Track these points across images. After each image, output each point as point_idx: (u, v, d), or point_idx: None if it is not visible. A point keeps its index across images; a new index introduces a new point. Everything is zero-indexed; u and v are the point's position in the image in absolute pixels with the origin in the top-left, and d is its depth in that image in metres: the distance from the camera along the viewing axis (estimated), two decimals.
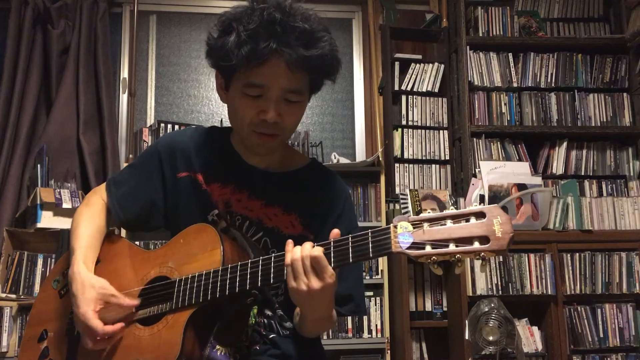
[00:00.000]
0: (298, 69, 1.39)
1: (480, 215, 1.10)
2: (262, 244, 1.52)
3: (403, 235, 1.14)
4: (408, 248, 1.13)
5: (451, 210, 1.12)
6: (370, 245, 1.20)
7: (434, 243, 1.11)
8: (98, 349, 1.39)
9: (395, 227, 1.16)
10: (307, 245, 1.27)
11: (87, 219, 1.58)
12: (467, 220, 1.10)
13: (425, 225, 1.13)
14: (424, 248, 1.12)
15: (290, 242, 1.30)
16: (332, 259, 1.24)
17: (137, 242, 1.75)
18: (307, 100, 1.51)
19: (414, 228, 1.14)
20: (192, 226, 1.48)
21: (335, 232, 1.28)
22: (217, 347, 1.39)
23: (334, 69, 1.48)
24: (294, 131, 1.56)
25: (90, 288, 1.41)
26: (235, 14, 1.40)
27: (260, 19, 1.35)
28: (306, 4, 1.43)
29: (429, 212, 1.13)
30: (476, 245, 1.08)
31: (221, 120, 4.28)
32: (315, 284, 1.24)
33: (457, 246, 1.09)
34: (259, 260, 1.33)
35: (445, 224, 1.11)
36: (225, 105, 1.53)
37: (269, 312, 1.52)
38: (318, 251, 1.24)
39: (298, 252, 1.26)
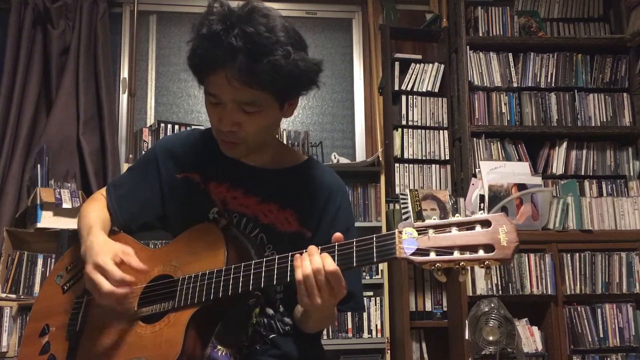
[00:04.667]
0: (243, 84, 1.33)
1: (485, 223, 1.10)
2: (259, 241, 1.52)
3: (408, 241, 1.14)
4: (412, 254, 1.13)
5: (457, 218, 1.12)
6: (374, 250, 1.20)
7: (438, 250, 1.11)
8: (111, 300, 1.37)
9: (400, 232, 1.16)
10: (316, 257, 1.25)
11: (95, 210, 1.60)
12: (473, 228, 1.10)
13: (430, 231, 1.13)
14: (428, 254, 1.12)
15: (297, 257, 1.28)
16: (336, 263, 1.24)
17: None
18: (273, 109, 1.43)
19: (418, 234, 1.14)
20: (197, 226, 1.49)
21: (338, 236, 1.28)
22: (219, 347, 1.39)
23: (297, 74, 1.36)
24: (260, 138, 1.48)
25: (112, 245, 1.44)
26: (195, 22, 1.39)
27: (207, 29, 1.33)
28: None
29: (434, 219, 1.13)
30: (481, 253, 1.08)
31: None
32: (330, 298, 1.25)
33: (461, 254, 1.09)
34: (262, 262, 1.33)
35: (450, 231, 1.12)
36: None
37: (270, 312, 1.52)
38: (333, 266, 1.23)
39: (308, 267, 1.24)
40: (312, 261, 1.25)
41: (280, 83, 1.35)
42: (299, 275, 1.25)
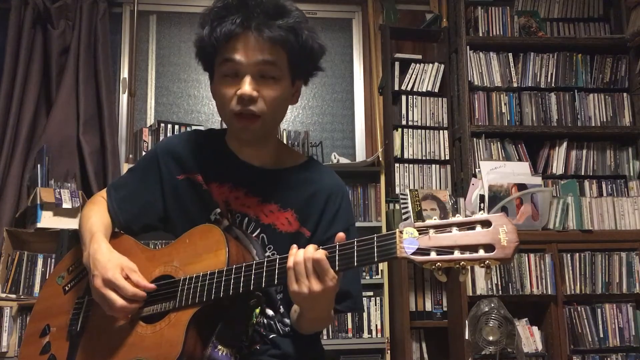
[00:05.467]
0: (268, 40, 1.40)
1: (486, 223, 1.10)
2: (260, 241, 1.53)
3: (408, 240, 1.14)
4: (413, 254, 1.13)
5: (457, 218, 1.12)
6: (375, 250, 1.20)
7: (439, 249, 1.11)
8: (122, 315, 1.41)
9: (401, 232, 1.16)
10: (310, 247, 1.27)
11: (96, 213, 1.60)
12: (473, 228, 1.10)
13: (431, 231, 1.13)
14: (428, 254, 1.12)
15: (294, 247, 1.30)
16: (336, 263, 1.25)
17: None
18: (287, 81, 1.49)
19: (419, 234, 1.14)
20: (198, 226, 1.49)
21: (341, 236, 1.28)
22: (219, 347, 1.39)
23: (310, 45, 1.47)
24: (276, 115, 1.52)
25: (118, 258, 1.44)
26: (208, 7, 1.47)
27: (225, 1, 1.42)
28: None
29: (434, 219, 1.12)
30: (481, 253, 1.08)
31: (221, 121, 4.27)
32: (316, 286, 1.25)
33: (462, 253, 1.09)
34: (263, 262, 1.34)
35: (451, 231, 1.12)
36: None
37: (271, 312, 1.52)
38: (320, 254, 1.25)
39: (301, 255, 1.27)
40: (305, 250, 1.27)
41: (297, 45, 1.44)
42: (290, 262, 1.28)
